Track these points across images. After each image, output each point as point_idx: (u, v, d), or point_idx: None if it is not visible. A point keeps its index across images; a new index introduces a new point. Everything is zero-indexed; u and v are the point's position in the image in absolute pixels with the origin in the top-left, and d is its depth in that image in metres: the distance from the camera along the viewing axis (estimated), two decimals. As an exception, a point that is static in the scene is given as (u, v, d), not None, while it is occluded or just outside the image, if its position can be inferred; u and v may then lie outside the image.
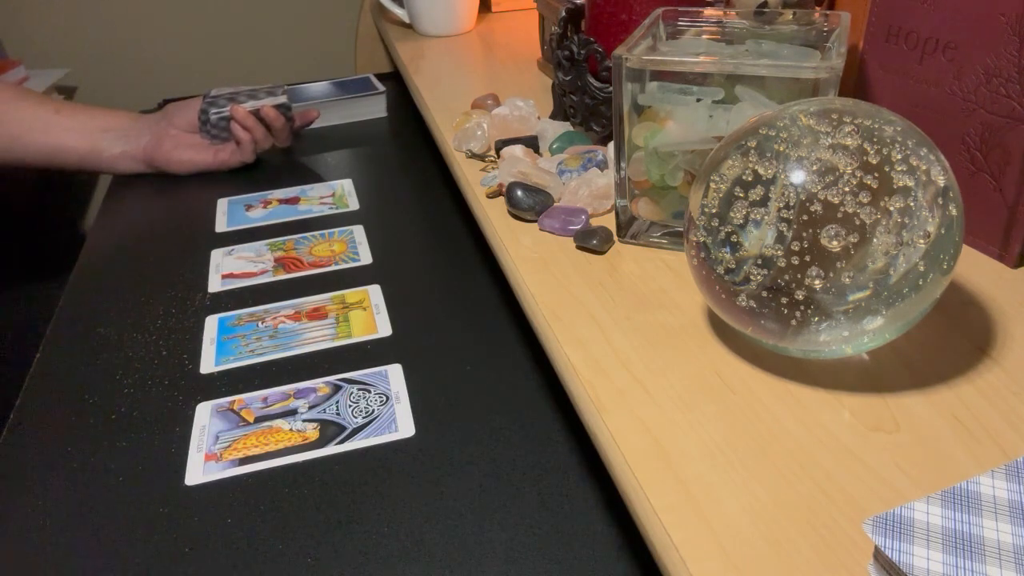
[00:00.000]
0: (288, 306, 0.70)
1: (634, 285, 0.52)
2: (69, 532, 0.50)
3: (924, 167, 0.37)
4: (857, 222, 0.36)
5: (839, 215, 0.36)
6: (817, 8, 0.61)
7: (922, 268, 0.37)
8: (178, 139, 0.94)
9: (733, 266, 0.39)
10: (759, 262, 0.38)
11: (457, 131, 0.75)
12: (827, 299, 0.37)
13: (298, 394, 0.60)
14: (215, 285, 0.74)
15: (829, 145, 0.37)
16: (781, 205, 0.37)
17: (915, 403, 0.41)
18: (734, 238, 0.39)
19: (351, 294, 0.72)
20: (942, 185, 0.38)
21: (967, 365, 0.43)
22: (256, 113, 0.94)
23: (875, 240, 0.36)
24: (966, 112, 0.50)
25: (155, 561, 0.47)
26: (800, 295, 0.37)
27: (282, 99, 0.95)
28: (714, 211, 0.40)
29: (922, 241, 0.37)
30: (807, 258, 0.37)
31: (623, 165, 0.54)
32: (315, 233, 0.82)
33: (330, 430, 0.56)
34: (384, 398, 0.59)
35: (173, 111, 0.95)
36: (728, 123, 0.50)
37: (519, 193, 0.60)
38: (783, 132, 0.39)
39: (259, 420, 0.57)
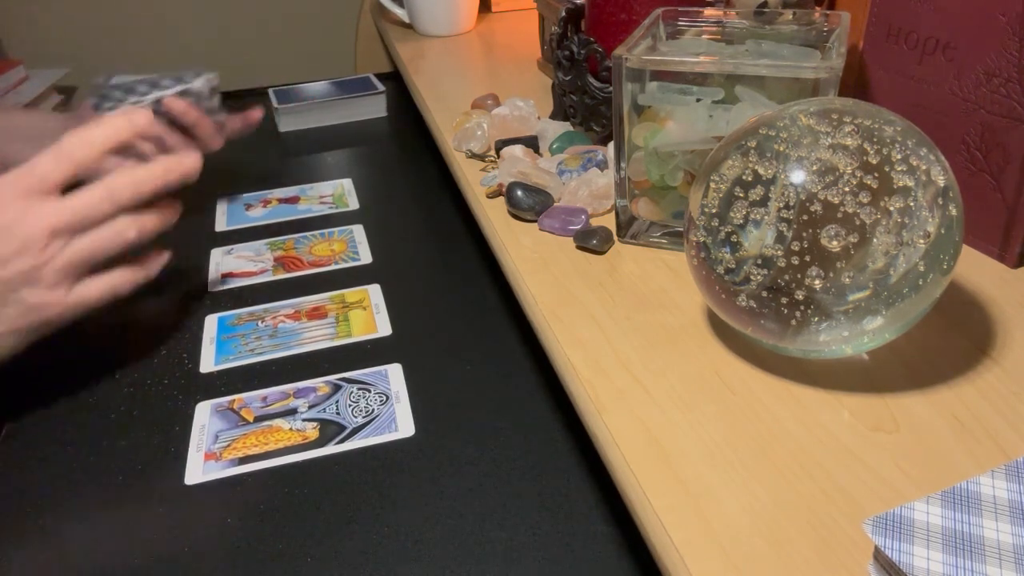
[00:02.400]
0: (288, 305, 0.70)
1: (634, 285, 0.52)
2: (68, 531, 0.50)
3: (924, 167, 0.37)
4: (857, 222, 0.36)
5: (839, 215, 0.36)
6: (817, 8, 0.61)
7: (922, 268, 0.37)
8: None
9: (733, 266, 0.39)
10: (759, 262, 0.38)
11: (457, 131, 0.75)
12: (827, 299, 0.37)
13: (298, 393, 0.60)
14: (215, 284, 0.74)
15: (829, 145, 0.37)
16: (781, 205, 0.37)
17: (915, 403, 0.41)
18: (734, 238, 0.39)
19: (351, 293, 0.72)
20: (942, 185, 0.38)
21: (967, 365, 0.43)
22: (161, 109, 0.71)
23: (875, 240, 0.36)
24: (966, 112, 0.50)
25: (155, 561, 0.47)
26: (800, 295, 0.37)
27: (191, 84, 0.70)
28: (714, 211, 0.40)
29: (922, 241, 0.37)
30: (807, 258, 0.37)
31: (623, 165, 0.54)
32: (315, 232, 0.82)
33: (330, 430, 0.56)
34: (384, 398, 0.59)
35: (85, 109, 0.76)
36: (728, 123, 0.50)
37: (519, 193, 0.60)
38: (783, 132, 0.39)
39: (259, 419, 0.57)
